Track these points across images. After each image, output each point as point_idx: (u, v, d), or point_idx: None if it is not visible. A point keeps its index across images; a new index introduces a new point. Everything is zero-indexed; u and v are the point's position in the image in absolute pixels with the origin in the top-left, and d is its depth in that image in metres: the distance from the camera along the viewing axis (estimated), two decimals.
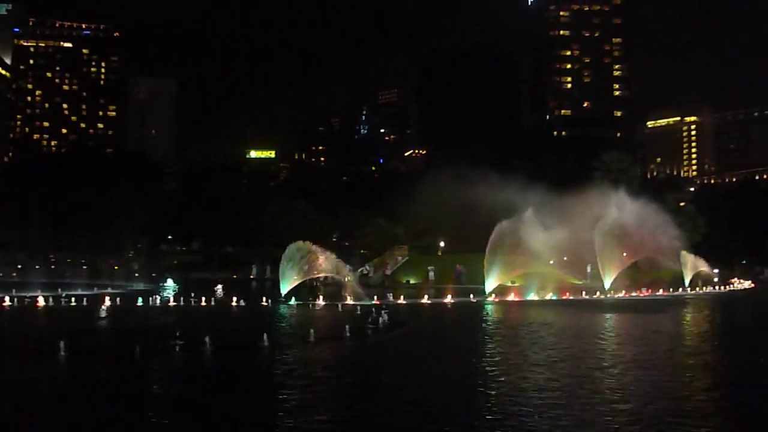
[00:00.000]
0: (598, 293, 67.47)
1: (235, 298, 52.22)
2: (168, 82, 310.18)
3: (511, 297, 61.97)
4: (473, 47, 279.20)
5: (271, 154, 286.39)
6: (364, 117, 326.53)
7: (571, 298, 63.23)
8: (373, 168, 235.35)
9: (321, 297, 54.57)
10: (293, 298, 54.18)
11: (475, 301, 59.10)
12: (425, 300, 58.98)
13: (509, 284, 67.58)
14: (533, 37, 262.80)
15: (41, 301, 50.32)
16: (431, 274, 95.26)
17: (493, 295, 61.60)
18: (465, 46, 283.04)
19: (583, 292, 66.08)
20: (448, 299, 59.17)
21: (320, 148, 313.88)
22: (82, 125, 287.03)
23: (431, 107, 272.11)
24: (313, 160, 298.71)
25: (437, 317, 48.81)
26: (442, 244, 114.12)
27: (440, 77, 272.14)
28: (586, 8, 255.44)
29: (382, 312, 39.85)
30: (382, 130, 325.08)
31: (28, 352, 26.99)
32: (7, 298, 49.96)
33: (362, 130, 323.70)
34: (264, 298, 54.18)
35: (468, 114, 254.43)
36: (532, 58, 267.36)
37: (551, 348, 30.82)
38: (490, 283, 63.46)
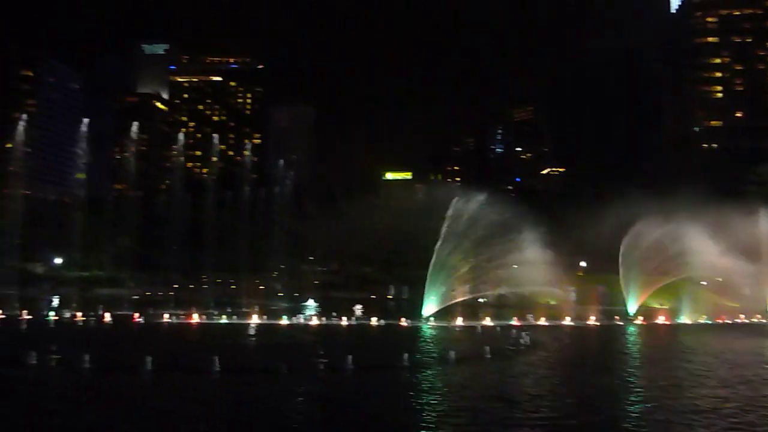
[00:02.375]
0: (759, 317, 62.29)
1: (374, 318, 52.83)
2: (307, 110, 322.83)
3: (661, 320, 58.56)
4: (608, 58, 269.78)
5: (408, 175, 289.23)
6: (499, 136, 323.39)
7: (729, 321, 58.81)
8: (510, 187, 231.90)
9: (460, 317, 54.06)
10: (432, 318, 54.07)
11: (620, 323, 56.38)
12: (567, 321, 56.96)
13: (657, 306, 63.95)
14: (676, 45, 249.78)
15: (195, 318, 53.35)
16: (572, 295, 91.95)
17: (641, 318, 58.50)
18: (599, 58, 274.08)
19: (742, 315, 61.26)
20: (592, 321, 56.81)
21: (455, 168, 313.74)
22: (230, 153, 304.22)
23: (566, 123, 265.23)
24: (449, 180, 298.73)
25: (581, 339, 46.91)
26: (582, 264, 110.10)
27: (574, 91, 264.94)
28: (736, 13, 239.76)
29: (523, 333, 38.83)
30: (518, 149, 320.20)
31: (184, 367, 28.51)
32: (165, 316, 53.47)
33: (497, 149, 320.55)
34: (403, 318, 54.41)
35: (605, 128, 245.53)
36: (674, 67, 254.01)
37: (707, 374, 28.72)
38: (633, 304, 60.37)
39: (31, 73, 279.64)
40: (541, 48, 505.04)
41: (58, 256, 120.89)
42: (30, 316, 53.57)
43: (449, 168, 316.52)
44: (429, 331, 48.97)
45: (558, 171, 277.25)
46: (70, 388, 24.42)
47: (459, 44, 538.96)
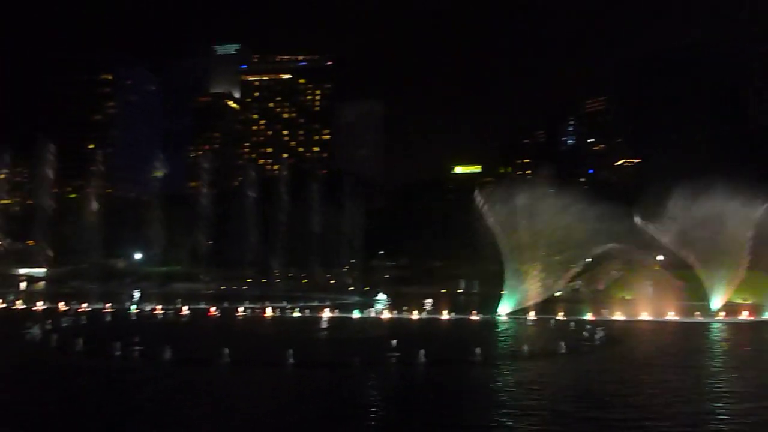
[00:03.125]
0: None
1: (445, 312, 52.66)
2: (375, 105, 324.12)
3: (744, 315, 56.19)
4: (689, 47, 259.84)
5: (477, 168, 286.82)
6: (570, 127, 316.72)
7: None
8: (582, 179, 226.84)
9: (533, 312, 53.31)
10: (504, 313, 53.50)
11: (701, 319, 54.40)
12: (644, 317, 55.35)
13: (740, 301, 61.41)
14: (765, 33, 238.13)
15: (269, 312, 54.41)
16: (649, 290, 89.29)
17: (722, 314, 56.29)
18: (679, 47, 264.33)
19: None
20: (670, 316, 55.04)
21: (525, 161, 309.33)
22: (300, 149, 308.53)
23: (642, 113, 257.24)
24: (519, 173, 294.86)
25: (660, 335, 45.46)
26: (660, 258, 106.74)
27: (652, 81, 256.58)
28: None
29: (598, 329, 37.94)
30: (591, 140, 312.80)
31: (259, 360, 29.07)
32: (240, 309, 54.79)
33: (569, 141, 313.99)
34: (474, 312, 54.00)
35: (685, 119, 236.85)
36: (763, 56, 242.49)
37: None
38: (718, 299, 58.13)
39: (111, 77, 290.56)
40: (614, 35, 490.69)
41: (139, 252, 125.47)
42: (113, 309, 55.81)
43: (519, 161, 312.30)
44: (501, 325, 48.46)
45: (632, 162, 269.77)
46: (153, 379, 25.22)
47: (529, 34, 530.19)
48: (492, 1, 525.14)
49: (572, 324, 46.01)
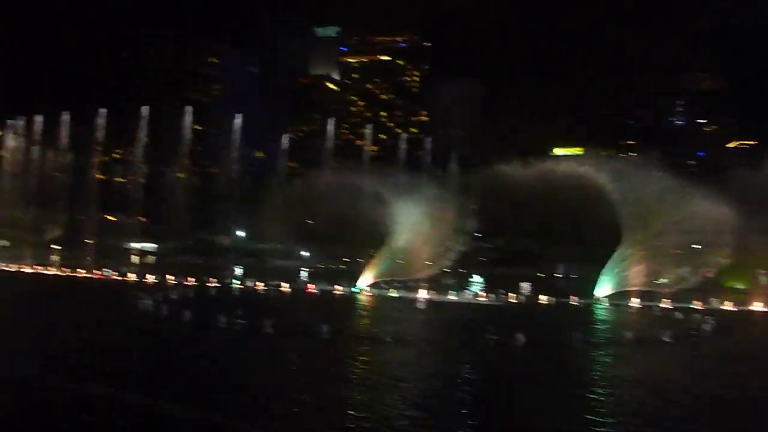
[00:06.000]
0: None
1: (542, 296, 51.70)
2: (473, 85, 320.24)
3: None
4: None
5: (578, 151, 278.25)
6: (679, 107, 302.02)
7: None
8: (692, 162, 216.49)
9: (636, 298, 51.47)
10: (605, 299, 51.93)
11: None
12: (757, 307, 52.35)
13: None
14: None
15: (367, 291, 55.17)
16: (763, 278, 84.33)
17: None
18: None
19: None
20: None
21: (629, 142, 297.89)
22: (398, 131, 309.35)
23: (756, 91, 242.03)
24: (623, 155, 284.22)
25: None
26: None
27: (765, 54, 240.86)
28: None
29: (706, 317, 36.20)
30: (701, 121, 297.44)
31: (356, 335, 29.49)
32: (337, 288, 55.87)
33: (677, 122, 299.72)
34: (573, 296, 52.69)
35: None
36: None
37: None
38: None
39: (216, 60, 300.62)
40: (725, 9, 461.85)
41: (241, 229, 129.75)
42: (217, 285, 58.07)
43: (623, 143, 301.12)
44: (601, 311, 47.10)
45: (748, 144, 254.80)
46: (257, 349, 26.03)
47: (631, 8, 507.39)
48: None
49: (678, 312, 44.13)
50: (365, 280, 61.34)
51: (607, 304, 49.97)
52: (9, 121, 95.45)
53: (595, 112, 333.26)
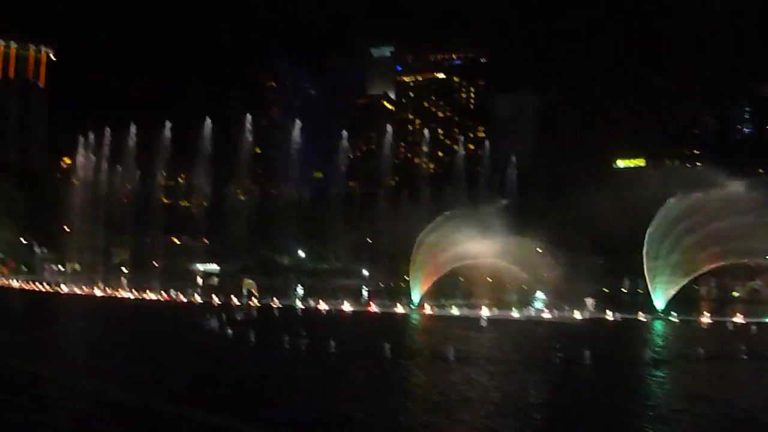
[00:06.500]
0: None
1: (608, 311, 50.55)
2: (530, 98, 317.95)
3: None
4: None
5: (641, 162, 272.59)
6: (747, 114, 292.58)
7: None
8: (762, 171, 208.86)
9: (706, 313, 49.83)
10: (673, 313, 50.41)
11: None
12: None
13: None
14: None
15: (427, 310, 54.96)
16: None
17: None
18: None
19: None
20: None
21: (695, 152, 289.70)
22: (455, 147, 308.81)
23: None
24: (688, 165, 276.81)
25: None
26: None
27: None
28: None
29: None
30: None
31: (420, 354, 29.39)
32: (397, 306, 55.81)
33: (745, 129, 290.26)
34: (640, 312, 51.30)
35: None
36: None
37: None
38: None
39: (274, 83, 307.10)
40: None
41: (301, 248, 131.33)
42: (280, 304, 58.86)
43: (688, 152, 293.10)
44: (669, 326, 45.70)
45: None
46: (323, 370, 26.20)
47: (695, 14, 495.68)
48: None
49: (753, 327, 42.46)
50: (426, 298, 61.18)
51: (676, 319, 48.43)
52: (80, 138, 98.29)
53: (657, 121, 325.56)
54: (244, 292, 65.64)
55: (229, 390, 21.59)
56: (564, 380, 24.94)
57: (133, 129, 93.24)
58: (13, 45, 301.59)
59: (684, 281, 52.83)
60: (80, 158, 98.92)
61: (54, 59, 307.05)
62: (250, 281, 68.43)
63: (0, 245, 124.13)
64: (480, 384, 23.63)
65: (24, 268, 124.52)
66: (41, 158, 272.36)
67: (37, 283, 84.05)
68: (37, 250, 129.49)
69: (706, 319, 47.99)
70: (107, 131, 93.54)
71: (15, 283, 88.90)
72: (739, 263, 60.96)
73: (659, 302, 52.11)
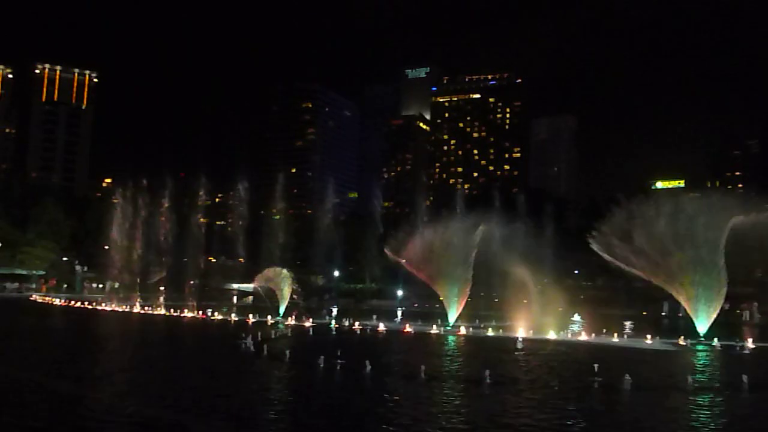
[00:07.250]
0: None
1: (648, 336, 49.56)
2: (567, 120, 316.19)
3: None
4: None
5: (680, 183, 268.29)
6: None
7: None
8: None
9: (749, 338, 48.48)
10: (715, 338, 49.15)
11: None
12: None
13: None
14: None
15: (462, 331, 54.52)
16: None
17: None
18: None
19: None
20: None
21: (736, 174, 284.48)
22: (490, 168, 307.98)
23: None
24: (729, 187, 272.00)
25: None
26: None
27: None
28: None
29: None
30: None
31: (455, 376, 29.10)
32: (433, 327, 55.46)
33: None
34: (681, 337, 50.15)
35: None
36: None
37: None
38: None
39: (311, 105, 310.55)
40: None
41: (336, 269, 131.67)
42: (314, 324, 59.02)
43: (729, 174, 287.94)
44: (712, 352, 44.52)
45: None
46: (360, 390, 26.13)
47: (728, 35, 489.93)
48: (689, 7, 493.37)
49: None
50: (461, 319, 60.80)
51: (718, 345, 47.20)
52: (121, 159, 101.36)
53: (699, 142, 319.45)
54: (281, 311, 66.05)
55: (267, 412, 21.65)
56: (602, 406, 24.46)
57: (171, 152, 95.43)
58: (58, 68, 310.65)
59: (725, 305, 51.50)
60: (121, 179, 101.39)
61: (96, 81, 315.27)
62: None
63: (42, 263, 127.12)
64: (516, 406, 23.33)
65: (65, 286, 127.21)
66: (83, 179, 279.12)
67: (78, 302, 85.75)
68: (77, 268, 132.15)
69: (749, 344, 46.69)
70: (147, 152, 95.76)
71: (57, 301, 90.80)
72: None
73: (702, 327, 50.88)
